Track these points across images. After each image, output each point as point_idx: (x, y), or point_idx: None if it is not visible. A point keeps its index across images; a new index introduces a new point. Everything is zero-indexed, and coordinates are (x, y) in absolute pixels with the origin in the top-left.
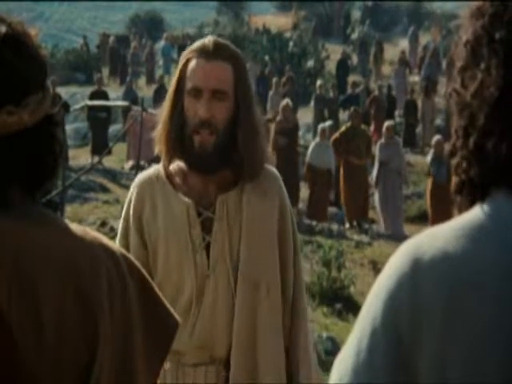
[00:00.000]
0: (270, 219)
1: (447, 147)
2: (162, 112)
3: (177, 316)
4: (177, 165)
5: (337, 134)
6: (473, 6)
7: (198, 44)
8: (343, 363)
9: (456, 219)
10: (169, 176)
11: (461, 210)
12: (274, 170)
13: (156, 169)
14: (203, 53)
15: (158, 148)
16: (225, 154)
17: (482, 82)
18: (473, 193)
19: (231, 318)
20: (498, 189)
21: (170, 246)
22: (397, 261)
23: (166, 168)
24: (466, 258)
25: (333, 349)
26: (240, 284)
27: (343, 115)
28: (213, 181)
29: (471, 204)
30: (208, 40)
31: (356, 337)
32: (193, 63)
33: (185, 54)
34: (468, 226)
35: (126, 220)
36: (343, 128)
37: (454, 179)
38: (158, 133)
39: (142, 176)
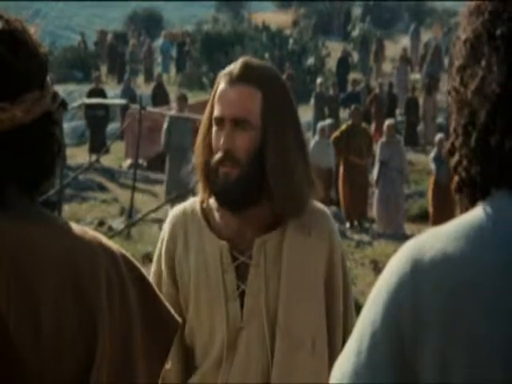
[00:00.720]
0: (314, 264)
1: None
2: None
3: (177, 316)
4: (214, 200)
5: (337, 133)
6: (471, 4)
7: (229, 67)
8: (344, 364)
9: (457, 219)
10: (204, 212)
11: (462, 209)
12: (322, 207)
13: (193, 202)
14: (229, 76)
15: (198, 180)
16: (251, 188)
17: (483, 80)
18: (473, 192)
19: (265, 377)
20: (499, 188)
21: (200, 291)
22: (398, 261)
23: (202, 203)
24: (466, 258)
25: None
26: (279, 341)
27: (343, 113)
28: (249, 220)
29: (472, 203)
30: (237, 62)
31: (357, 337)
32: (219, 88)
33: (218, 78)
34: (468, 226)
35: (158, 262)
36: (343, 126)
37: (454, 178)
38: (196, 165)
39: (177, 210)
